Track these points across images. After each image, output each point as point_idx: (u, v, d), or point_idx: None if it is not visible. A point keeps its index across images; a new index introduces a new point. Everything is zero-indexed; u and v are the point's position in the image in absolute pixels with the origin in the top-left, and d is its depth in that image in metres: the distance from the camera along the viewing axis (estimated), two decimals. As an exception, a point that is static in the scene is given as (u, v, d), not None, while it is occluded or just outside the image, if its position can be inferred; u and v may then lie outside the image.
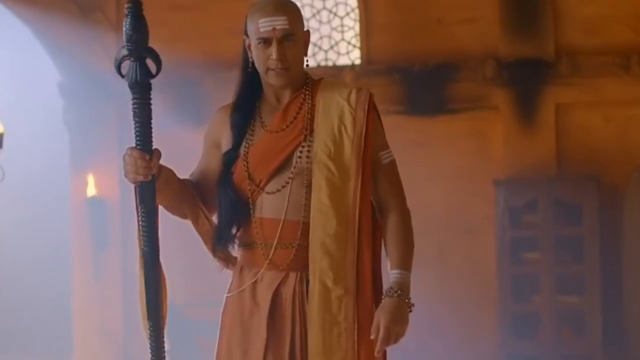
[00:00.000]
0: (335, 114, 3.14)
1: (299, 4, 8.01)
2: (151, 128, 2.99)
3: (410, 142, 8.37)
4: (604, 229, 8.07)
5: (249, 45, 3.15)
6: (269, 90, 3.19)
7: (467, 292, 8.42)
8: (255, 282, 3.14)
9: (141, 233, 3.02)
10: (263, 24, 3.07)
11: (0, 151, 7.65)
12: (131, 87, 2.95)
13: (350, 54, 8.92)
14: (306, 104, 3.16)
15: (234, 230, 3.17)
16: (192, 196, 3.20)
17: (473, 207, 8.44)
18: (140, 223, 3.02)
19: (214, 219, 3.22)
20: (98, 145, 8.89)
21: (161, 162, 3.04)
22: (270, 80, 3.13)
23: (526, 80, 8.36)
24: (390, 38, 8.66)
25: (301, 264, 3.10)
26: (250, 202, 3.13)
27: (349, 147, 3.10)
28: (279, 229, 3.09)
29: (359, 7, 8.79)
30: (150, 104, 2.97)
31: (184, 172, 3.30)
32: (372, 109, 3.16)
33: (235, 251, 3.22)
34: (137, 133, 2.98)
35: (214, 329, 3.25)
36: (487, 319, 8.30)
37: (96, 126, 8.91)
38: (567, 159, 8.34)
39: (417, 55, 8.58)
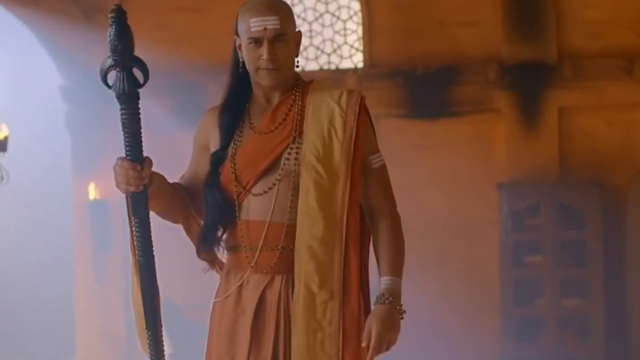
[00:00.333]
0: (326, 116, 3.08)
1: (301, 7, 8.07)
2: (141, 137, 2.95)
3: (413, 145, 8.37)
4: (606, 233, 8.06)
5: (240, 45, 3.11)
6: (258, 91, 3.15)
7: (470, 295, 8.41)
8: (241, 285, 3.10)
9: (135, 243, 2.99)
10: (254, 24, 3.03)
11: (4, 154, 7.63)
12: (119, 97, 2.92)
13: (353, 58, 8.92)
14: (296, 106, 3.11)
15: (219, 232, 3.13)
16: (183, 201, 3.17)
17: (476, 210, 8.43)
18: (133, 233, 2.99)
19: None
20: (100, 148, 8.86)
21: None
22: (261, 80, 3.08)
23: (529, 84, 8.35)
24: (393, 41, 8.65)
25: (286, 267, 3.05)
26: (237, 204, 3.09)
27: (338, 150, 3.04)
28: (265, 231, 3.05)
29: (362, 10, 8.79)
30: (139, 114, 2.93)
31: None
32: (363, 112, 3.10)
33: (222, 254, 3.18)
34: (127, 143, 2.95)
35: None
36: (490, 322, 8.29)
37: (98, 129, 8.89)
38: (569, 162, 8.32)
39: (420, 59, 8.58)
